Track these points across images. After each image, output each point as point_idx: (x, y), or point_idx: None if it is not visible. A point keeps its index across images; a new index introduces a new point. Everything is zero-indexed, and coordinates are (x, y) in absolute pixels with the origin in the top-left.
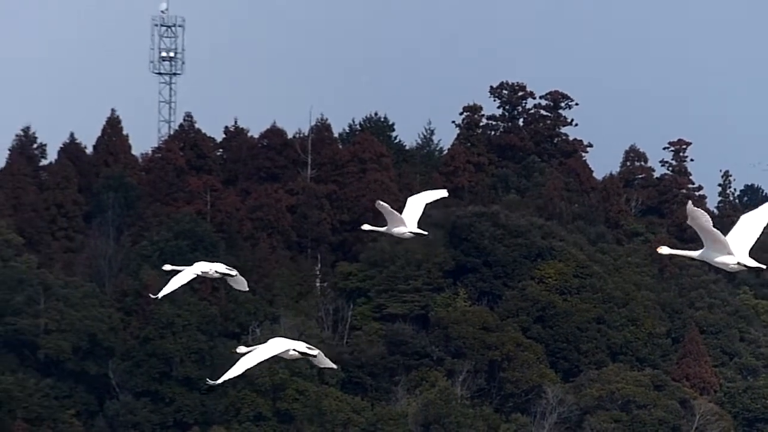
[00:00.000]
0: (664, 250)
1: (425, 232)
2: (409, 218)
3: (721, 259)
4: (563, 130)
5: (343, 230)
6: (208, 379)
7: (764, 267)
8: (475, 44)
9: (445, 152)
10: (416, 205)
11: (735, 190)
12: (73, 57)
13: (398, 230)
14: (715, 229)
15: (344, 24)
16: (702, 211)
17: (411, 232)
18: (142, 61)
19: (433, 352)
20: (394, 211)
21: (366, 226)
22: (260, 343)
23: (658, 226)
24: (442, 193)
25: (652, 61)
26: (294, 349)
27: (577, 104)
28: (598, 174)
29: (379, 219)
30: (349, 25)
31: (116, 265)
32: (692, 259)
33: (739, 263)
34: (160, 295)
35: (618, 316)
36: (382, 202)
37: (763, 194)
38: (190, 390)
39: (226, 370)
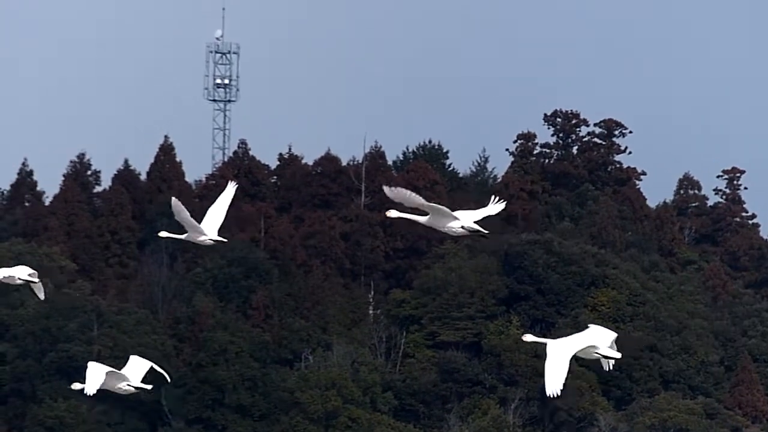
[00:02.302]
0: (392, 213)
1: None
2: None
3: (448, 225)
4: (617, 158)
5: (396, 258)
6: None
7: (486, 232)
8: (529, 72)
9: (499, 180)
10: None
11: None
12: (128, 84)
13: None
14: (436, 205)
15: (399, 52)
16: (404, 189)
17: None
18: (197, 87)
19: (485, 380)
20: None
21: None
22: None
23: (711, 255)
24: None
25: (706, 89)
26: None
27: (631, 132)
28: (652, 202)
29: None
30: (403, 54)
31: (169, 292)
32: (419, 223)
33: (463, 227)
34: None
35: (671, 345)
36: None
37: None
38: (242, 417)
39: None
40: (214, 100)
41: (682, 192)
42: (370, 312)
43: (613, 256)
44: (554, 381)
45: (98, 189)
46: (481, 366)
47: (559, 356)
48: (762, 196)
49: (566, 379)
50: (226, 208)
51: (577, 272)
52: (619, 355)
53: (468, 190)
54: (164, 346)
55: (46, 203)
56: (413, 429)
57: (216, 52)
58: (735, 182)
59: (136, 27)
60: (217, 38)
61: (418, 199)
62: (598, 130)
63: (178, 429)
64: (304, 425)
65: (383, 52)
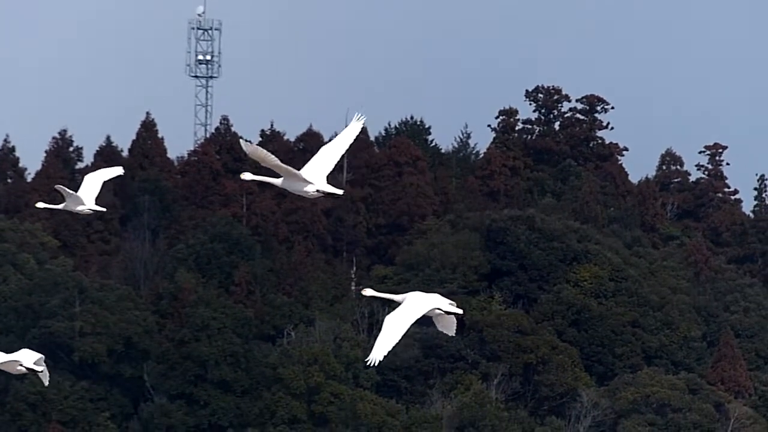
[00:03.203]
0: (247, 176)
1: (102, 209)
2: (86, 195)
3: (303, 189)
4: (599, 133)
5: (378, 234)
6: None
7: (341, 192)
8: (511, 48)
9: (481, 156)
10: (93, 182)
11: None
12: (110, 60)
13: (78, 208)
14: (289, 168)
15: (380, 28)
16: (260, 148)
17: (90, 209)
18: (179, 64)
19: (468, 356)
20: (70, 191)
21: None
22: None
23: (693, 230)
24: (118, 170)
25: (688, 65)
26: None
27: (612, 108)
28: (634, 178)
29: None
30: (385, 29)
31: (152, 268)
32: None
33: (318, 190)
34: None
35: (653, 320)
36: (59, 187)
37: None
38: (225, 393)
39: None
40: (196, 77)
41: (664, 168)
42: (353, 288)
43: (595, 231)
44: (382, 349)
45: (80, 165)
46: (464, 342)
47: (396, 326)
48: (744, 172)
49: (548, 354)
50: (103, 180)
51: (559, 248)
52: (460, 311)
53: (450, 166)
54: (146, 322)
55: (28, 180)
56: (395, 405)
57: (198, 29)
58: (717, 158)
59: (118, 3)
60: (199, 14)
61: (273, 160)
62: (580, 105)
63: (160, 405)
64: (286, 401)
65: (365, 29)
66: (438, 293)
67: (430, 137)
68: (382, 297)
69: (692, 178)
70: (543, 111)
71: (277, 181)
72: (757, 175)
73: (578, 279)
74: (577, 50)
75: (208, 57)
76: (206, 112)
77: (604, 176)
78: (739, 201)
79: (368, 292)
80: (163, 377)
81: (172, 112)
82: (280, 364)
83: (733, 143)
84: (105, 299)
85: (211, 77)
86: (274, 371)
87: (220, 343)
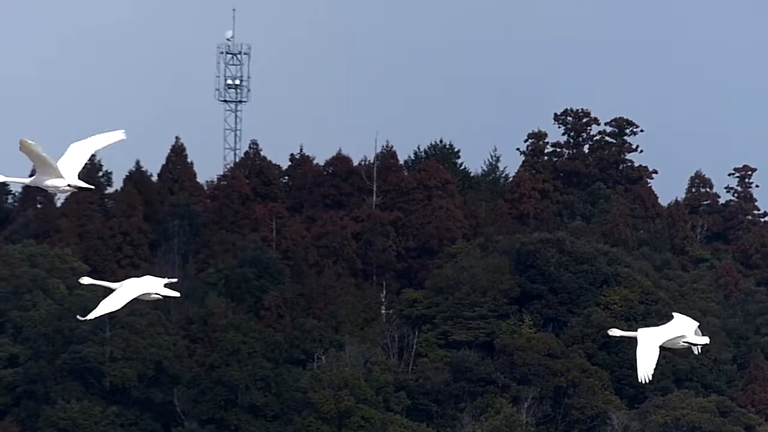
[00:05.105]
0: None
1: (90, 186)
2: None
3: (52, 183)
4: (628, 156)
5: (408, 257)
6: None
7: (92, 187)
8: (540, 71)
9: (510, 179)
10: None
11: None
12: (139, 84)
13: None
14: (45, 155)
15: (409, 52)
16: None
17: (69, 185)
18: (208, 88)
19: (498, 379)
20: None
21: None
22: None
23: (723, 252)
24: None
25: (717, 87)
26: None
27: (642, 131)
28: (664, 200)
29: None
30: (413, 53)
31: (181, 292)
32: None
33: (69, 185)
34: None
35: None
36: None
37: None
38: (255, 417)
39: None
40: (225, 101)
41: (693, 190)
42: (383, 312)
43: (625, 254)
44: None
45: (110, 190)
46: (494, 365)
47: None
48: None
49: (579, 377)
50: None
51: (589, 271)
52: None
53: (479, 190)
54: (177, 347)
55: (58, 205)
56: (426, 428)
57: (227, 53)
58: (746, 180)
59: (147, 28)
60: (228, 39)
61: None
62: (609, 128)
63: (191, 429)
64: (317, 425)
65: (394, 53)
66: None
67: (459, 161)
68: (101, 285)
69: (722, 201)
70: (572, 134)
71: (28, 180)
72: None
73: (608, 302)
74: (605, 73)
75: (237, 81)
76: (235, 137)
77: (633, 199)
78: None
79: (85, 280)
80: (194, 402)
81: (202, 136)
82: (311, 388)
83: (762, 165)
84: (135, 324)
85: (240, 101)
86: (304, 395)
87: (251, 367)
